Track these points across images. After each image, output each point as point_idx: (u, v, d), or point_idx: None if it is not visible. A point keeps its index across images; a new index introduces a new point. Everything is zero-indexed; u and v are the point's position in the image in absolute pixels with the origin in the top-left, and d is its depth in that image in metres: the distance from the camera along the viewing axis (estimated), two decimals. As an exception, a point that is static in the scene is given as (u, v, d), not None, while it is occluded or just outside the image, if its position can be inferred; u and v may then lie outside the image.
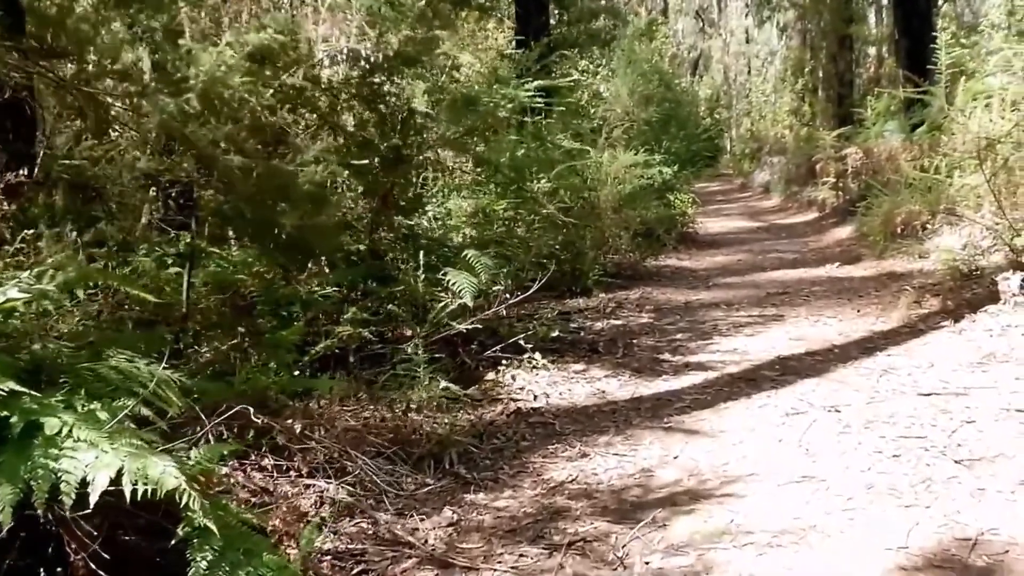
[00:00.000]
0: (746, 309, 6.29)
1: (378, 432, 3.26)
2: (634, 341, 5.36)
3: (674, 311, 6.37)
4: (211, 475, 2.27)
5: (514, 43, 10.31)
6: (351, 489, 2.75)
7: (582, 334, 5.56)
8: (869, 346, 4.90)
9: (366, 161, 4.42)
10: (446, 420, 3.55)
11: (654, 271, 8.44)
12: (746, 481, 3.06)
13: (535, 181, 6.18)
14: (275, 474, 2.76)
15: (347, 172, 4.44)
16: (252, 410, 2.61)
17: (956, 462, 3.04)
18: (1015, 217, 5.69)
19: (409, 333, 4.29)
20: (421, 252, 4.27)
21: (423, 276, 4.21)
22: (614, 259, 8.00)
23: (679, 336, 5.49)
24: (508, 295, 5.02)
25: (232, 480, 2.43)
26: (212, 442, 2.70)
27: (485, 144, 5.50)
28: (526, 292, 5.11)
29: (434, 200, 6.40)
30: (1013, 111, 5.76)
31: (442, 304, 4.26)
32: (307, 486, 2.74)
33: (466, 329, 4.44)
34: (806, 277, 7.64)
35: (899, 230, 7.63)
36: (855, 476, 3.01)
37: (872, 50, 18.10)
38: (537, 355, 4.73)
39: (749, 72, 32.13)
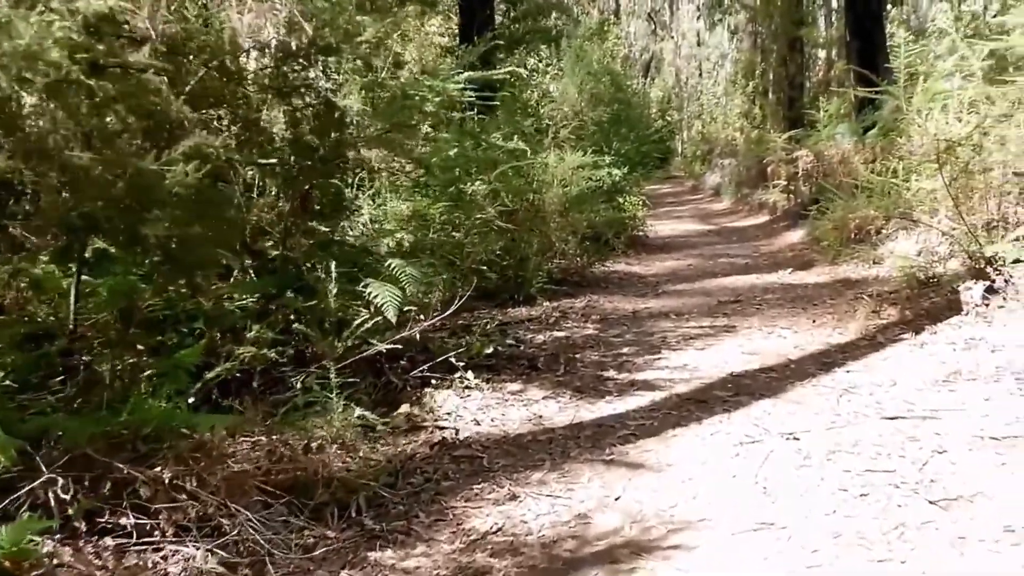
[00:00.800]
0: (696, 319, 5.95)
1: (273, 475, 2.78)
2: (577, 356, 4.96)
3: (621, 321, 6.00)
4: (23, 557, 1.79)
5: (458, 39, 9.88)
6: (223, 555, 2.27)
7: (522, 348, 5.13)
8: (827, 361, 4.57)
9: (275, 160, 3.93)
10: (358, 456, 3.10)
11: (602, 277, 8.07)
12: (696, 528, 2.67)
13: (472, 183, 5.74)
14: (134, 537, 2.28)
15: (251, 171, 3.94)
16: (99, 457, 2.12)
17: (931, 503, 2.69)
18: (973, 223, 5.45)
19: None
20: (334, 262, 3.79)
21: (336, 288, 3.74)
22: (560, 264, 7.61)
23: (625, 350, 5.10)
24: (436, 308, 4.58)
25: (56, 560, 1.95)
26: (53, 501, 2.22)
27: (417, 141, 5.02)
28: (462, 302, 4.68)
29: (370, 203, 5.93)
30: (971, 113, 5.52)
31: (359, 320, 3.79)
32: (173, 552, 2.26)
33: (388, 348, 4.00)
34: (758, 284, 7.35)
35: (853, 235, 7.40)
36: (819, 521, 2.64)
37: (822, 53, 18.08)
38: (470, 374, 4.30)
39: (700, 75, 32.21)
